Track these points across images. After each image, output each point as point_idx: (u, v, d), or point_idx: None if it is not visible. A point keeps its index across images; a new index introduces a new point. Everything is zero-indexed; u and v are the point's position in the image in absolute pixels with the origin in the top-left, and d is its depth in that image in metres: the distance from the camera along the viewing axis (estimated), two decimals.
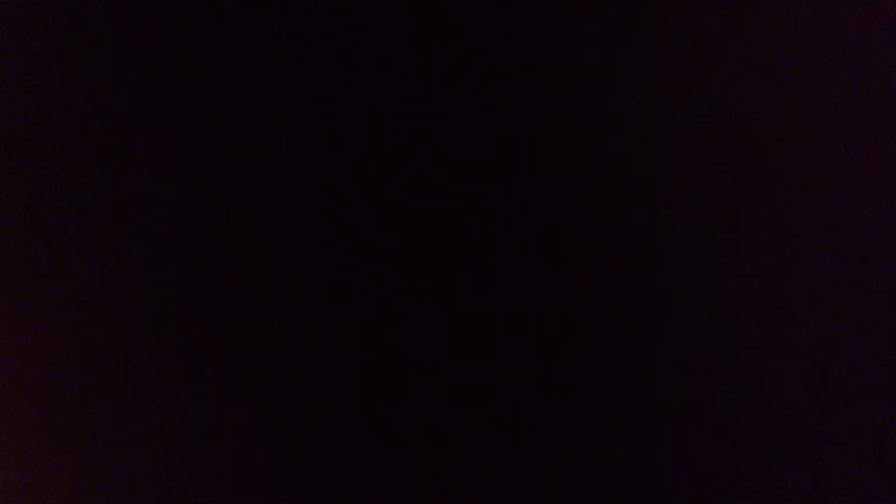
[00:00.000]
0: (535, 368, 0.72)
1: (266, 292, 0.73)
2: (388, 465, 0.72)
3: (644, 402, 0.72)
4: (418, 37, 0.73)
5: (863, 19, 0.73)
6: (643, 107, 0.72)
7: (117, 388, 0.73)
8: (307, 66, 0.73)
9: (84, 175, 0.74)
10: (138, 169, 0.73)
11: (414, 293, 0.72)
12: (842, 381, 0.72)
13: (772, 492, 0.72)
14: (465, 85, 0.73)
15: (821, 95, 0.73)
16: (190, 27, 0.74)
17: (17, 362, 0.74)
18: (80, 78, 0.74)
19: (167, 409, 0.73)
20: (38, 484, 0.73)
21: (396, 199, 0.73)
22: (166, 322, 0.73)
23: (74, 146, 0.74)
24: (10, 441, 0.73)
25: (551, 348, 0.72)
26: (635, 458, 0.72)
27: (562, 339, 0.72)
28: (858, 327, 0.72)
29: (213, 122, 0.74)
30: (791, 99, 0.73)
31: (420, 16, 0.73)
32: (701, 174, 0.72)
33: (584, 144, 0.73)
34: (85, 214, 0.73)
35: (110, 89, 0.74)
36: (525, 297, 0.72)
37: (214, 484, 0.73)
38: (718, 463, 0.72)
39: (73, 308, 0.74)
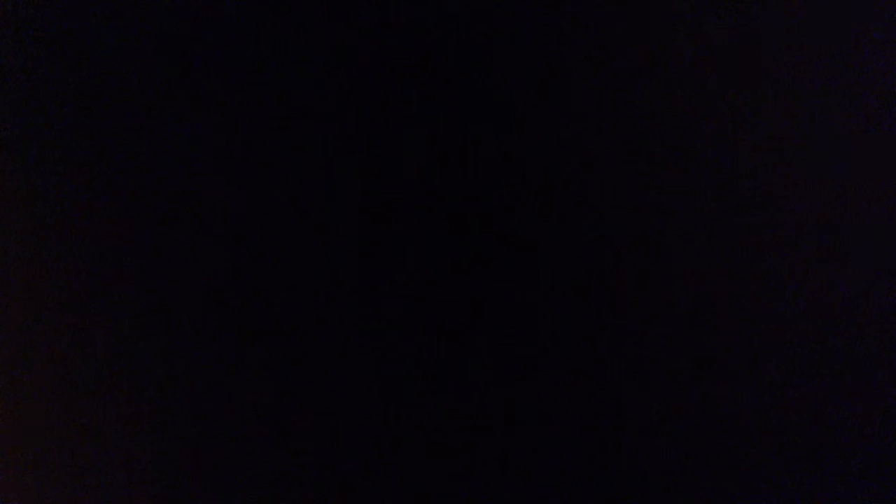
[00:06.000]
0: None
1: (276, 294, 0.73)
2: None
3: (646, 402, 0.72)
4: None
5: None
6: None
7: (117, 388, 0.73)
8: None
9: (84, 174, 0.73)
10: (142, 167, 0.73)
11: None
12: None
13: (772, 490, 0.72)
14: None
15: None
16: (192, 25, 0.74)
17: (16, 363, 0.73)
18: (82, 76, 0.74)
19: (167, 409, 0.73)
20: (37, 483, 0.73)
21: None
22: (165, 321, 0.73)
23: (73, 146, 0.74)
24: (10, 441, 0.73)
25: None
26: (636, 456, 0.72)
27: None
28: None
29: (213, 122, 0.73)
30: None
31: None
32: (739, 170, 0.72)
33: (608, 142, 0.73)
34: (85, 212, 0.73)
35: (113, 87, 0.74)
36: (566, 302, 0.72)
37: (217, 484, 0.73)
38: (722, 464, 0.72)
39: (74, 306, 0.74)
